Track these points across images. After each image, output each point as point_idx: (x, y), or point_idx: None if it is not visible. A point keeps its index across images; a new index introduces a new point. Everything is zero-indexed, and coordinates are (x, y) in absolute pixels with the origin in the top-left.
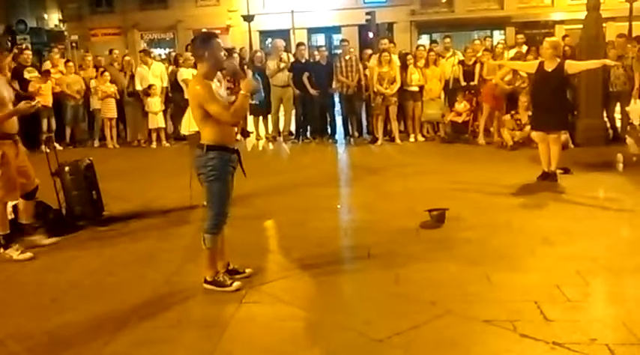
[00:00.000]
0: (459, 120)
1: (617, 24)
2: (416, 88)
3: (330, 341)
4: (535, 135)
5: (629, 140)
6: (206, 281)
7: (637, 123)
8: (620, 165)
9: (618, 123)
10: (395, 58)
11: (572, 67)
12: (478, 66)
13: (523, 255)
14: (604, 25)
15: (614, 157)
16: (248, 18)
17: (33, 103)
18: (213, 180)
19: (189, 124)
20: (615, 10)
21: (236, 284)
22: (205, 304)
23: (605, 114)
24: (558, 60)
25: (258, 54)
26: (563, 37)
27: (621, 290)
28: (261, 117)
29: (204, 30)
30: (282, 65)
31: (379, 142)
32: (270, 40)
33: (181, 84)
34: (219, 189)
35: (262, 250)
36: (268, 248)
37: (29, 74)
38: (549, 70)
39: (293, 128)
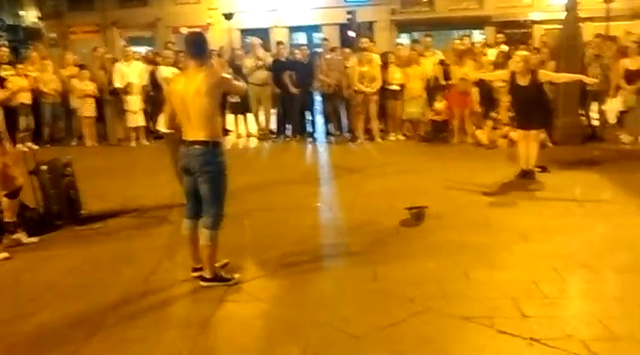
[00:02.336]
0: (439, 118)
1: (594, 24)
2: (397, 87)
3: (309, 338)
4: (516, 133)
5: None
6: (204, 279)
7: (613, 122)
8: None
9: (596, 123)
10: (375, 56)
11: (546, 77)
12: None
13: (501, 252)
14: (581, 25)
15: (591, 155)
16: (228, 16)
17: (8, 93)
18: (222, 176)
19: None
20: (592, 10)
21: (237, 275)
22: (184, 303)
23: (582, 113)
24: (531, 73)
25: (237, 52)
26: (541, 37)
27: (597, 287)
28: (240, 116)
29: (186, 29)
30: (260, 63)
31: (359, 141)
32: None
33: (161, 82)
34: (226, 184)
35: (242, 248)
36: (248, 246)
37: (5, 72)
38: (524, 84)
39: (274, 126)
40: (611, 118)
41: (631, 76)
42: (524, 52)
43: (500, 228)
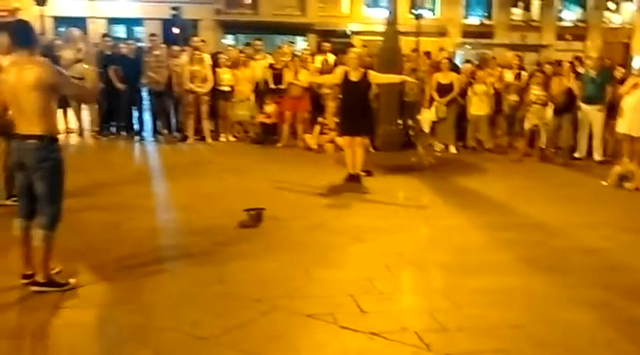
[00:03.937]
0: (268, 121)
1: (406, 38)
2: (227, 88)
3: (158, 344)
4: (342, 139)
5: (419, 148)
6: (37, 284)
7: (427, 131)
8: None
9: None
10: (206, 56)
11: (374, 77)
12: (286, 70)
13: (338, 252)
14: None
15: (409, 161)
16: (40, 2)
17: None
18: (59, 173)
19: None
20: (405, 25)
21: (73, 280)
22: (16, 312)
23: (400, 122)
24: (362, 70)
25: (56, 42)
26: (361, 47)
27: (425, 281)
28: (60, 110)
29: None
30: (80, 56)
31: (190, 141)
32: (65, 27)
33: None
34: (62, 182)
35: (76, 253)
36: (82, 250)
37: None
38: (355, 80)
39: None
40: (425, 128)
41: (442, 89)
42: (359, 49)
43: (336, 229)
